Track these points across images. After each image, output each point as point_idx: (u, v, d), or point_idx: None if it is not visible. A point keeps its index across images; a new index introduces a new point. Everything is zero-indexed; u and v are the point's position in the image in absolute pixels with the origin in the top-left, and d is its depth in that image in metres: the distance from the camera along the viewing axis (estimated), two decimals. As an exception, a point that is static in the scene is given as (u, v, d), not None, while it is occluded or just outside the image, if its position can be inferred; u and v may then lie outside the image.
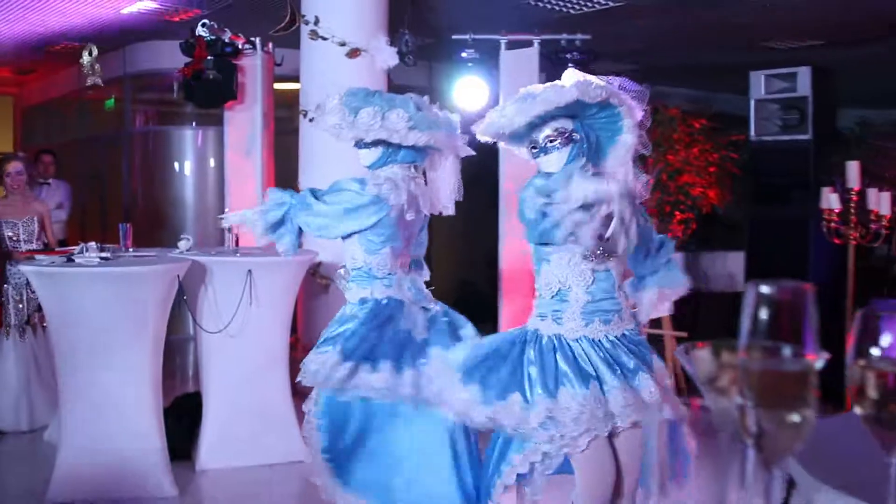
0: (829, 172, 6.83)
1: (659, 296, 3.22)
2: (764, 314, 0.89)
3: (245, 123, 7.42)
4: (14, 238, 6.02)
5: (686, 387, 6.29)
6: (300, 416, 5.27)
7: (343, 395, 3.61)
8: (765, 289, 0.89)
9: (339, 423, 3.65)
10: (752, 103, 7.45)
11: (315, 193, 3.67)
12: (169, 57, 8.37)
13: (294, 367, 6.00)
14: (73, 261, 4.72)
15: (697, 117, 7.24)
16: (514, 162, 6.87)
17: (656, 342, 6.30)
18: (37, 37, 9.88)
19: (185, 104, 8.51)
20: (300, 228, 3.75)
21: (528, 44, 6.97)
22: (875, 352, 0.98)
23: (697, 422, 0.85)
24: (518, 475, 3.00)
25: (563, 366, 2.94)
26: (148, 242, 6.57)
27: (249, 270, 5.03)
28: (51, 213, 6.46)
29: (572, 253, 2.97)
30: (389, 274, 3.71)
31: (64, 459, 4.56)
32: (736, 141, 7.86)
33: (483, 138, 3.19)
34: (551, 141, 3.00)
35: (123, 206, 10.59)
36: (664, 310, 3.36)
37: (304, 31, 6.74)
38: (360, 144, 3.72)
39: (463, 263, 10.18)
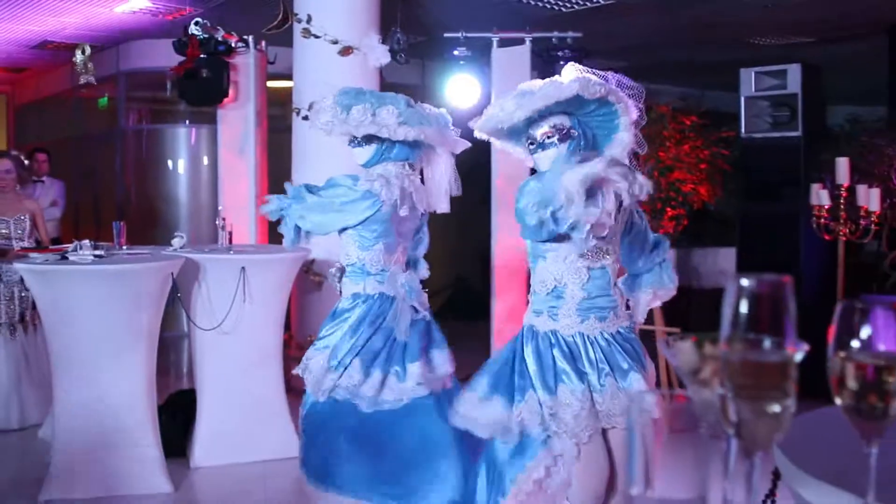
0: (820, 169, 6.86)
1: (652, 296, 3.28)
2: (744, 307, 0.92)
3: (238, 121, 7.43)
4: (5, 236, 6.02)
5: (676, 380, 6.33)
6: (294, 412, 5.32)
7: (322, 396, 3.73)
8: (745, 282, 0.92)
9: (317, 425, 3.72)
10: (743, 100, 7.47)
11: (310, 189, 3.73)
12: (162, 55, 8.37)
13: (287, 363, 6.04)
14: (66, 259, 4.73)
15: (688, 114, 7.27)
16: (505, 158, 6.91)
17: (648, 338, 6.34)
18: (30, 35, 9.87)
19: (178, 102, 8.51)
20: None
21: (520, 41, 6.99)
22: (855, 344, 1.01)
23: (682, 414, 0.87)
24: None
25: (560, 363, 2.97)
26: (142, 240, 6.58)
27: (243, 268, 5.05)
28: (43, 212, 6.46)
29: (568, 250, 3.00)
30: (382, 270, 3.76)
31: (58, 456, 4.57)
32: (726, 138, 7.88)
33: (480, 135, 3.20)
34: (549, 137, 3.01)
35: (117, 203, 10.59)
36: (654, 305, 3.41)
37: (297, 29, 6.76)
38: (354, 143, 3.77)
39: (456, 260, 10.20)
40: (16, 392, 5.88)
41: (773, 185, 7.31)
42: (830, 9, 8.28)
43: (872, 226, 6.12)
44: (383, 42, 6.63)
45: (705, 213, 8.36)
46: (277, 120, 8.35)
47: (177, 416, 5.32)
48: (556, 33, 7.01)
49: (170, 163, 10.39)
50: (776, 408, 0.91)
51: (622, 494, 2.98)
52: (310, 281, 6.67)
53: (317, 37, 6.64)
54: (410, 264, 3.97)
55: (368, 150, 3.75)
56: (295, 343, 6.82)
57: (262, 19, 6.98)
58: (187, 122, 10.38)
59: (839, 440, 1.22)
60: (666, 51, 9.64)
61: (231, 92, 7.25)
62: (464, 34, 7.02)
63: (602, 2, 7.90)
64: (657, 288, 3.27)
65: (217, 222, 5.51)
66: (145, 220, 9.97)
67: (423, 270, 4.07)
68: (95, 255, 4.79)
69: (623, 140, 3.03)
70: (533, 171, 3.24)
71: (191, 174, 10.32)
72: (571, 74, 2.99)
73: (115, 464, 4.60)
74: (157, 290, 4.73)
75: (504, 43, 7.06)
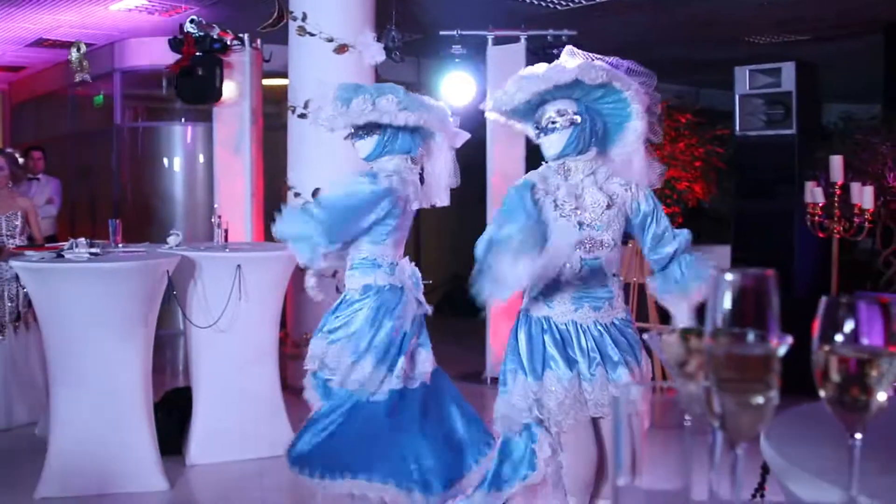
0: (814, 167, 6.89)
1: (678, 300, 3.12)
2: (728, 301, 0.94)
3: (234, 119, 7.44)
4: None
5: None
6: (289, 409, 5.34)
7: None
8: (728, 276, 0.94)
9: (339, 415, 3.74)
10: (737, 98, 7.50)
11: (321, 203, 3.68)
12: (158, 53, 8.38)
13: (283, 361, 6.05)
14: (62, 257, 4.73)
15: (683, 112, 7.30)
16: (501, 156, 6.93)
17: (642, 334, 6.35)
18: (26, 33, 9.87)
19: (174, 100, 8.52)
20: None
21: (515, 39, 7.01)
22: (838, 338, 1.03)
23: (674, 408, 0.89)
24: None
25: (550, 349, 3.00)
26: (137, 238, 6.59)
27: (239, 265, 5.06)
28: (36, 209, 6.45)
29: (560, 242, 3.02)
30: (392, 263, 3.79)
31: (54, 454, 4.58)
32: (721, 136, 7.93)
33: (491, 116, 3.22)
34: (552, 122, 3.03)
35: (113, 201, 10.59)
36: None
37: (292, 27, 6.76)
38: (356, 136, 3.77)
39: (453, 257, 10.21)
40: (3, 393, 5.86)
41: (768, 183, 7.33)
42: (825, 7, 8.30)
43: (866, 223, 6.15)
44: (378, 40, 6.64)
45: (700, 210, 8.39)
46: (273, 118, 8.36)
47: (173, 414, 5.33)
48: (551, 31, 7.03)
49: (165, 161, 10.40)
50: (759, 400, 0.93)
51: (610, 483, 3.00)
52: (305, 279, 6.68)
53: (312, 35, 6.65)
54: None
55: (370, 142, 3.75)
56: (291, 341, 6.83)
57: (257, 17, 6.99)
58: (183, 119, 10.39)
59: (827, 434, 1.24)
60: (661, 49, 9.65)
61: (226, 90, 7.25)
62: (459, 32, 7.04)
63: (596, 0, 7.92)
64: (678, 293, 3.09)
65: (213, 220, 5.52)
66: (141, 217, 9.98)
67: None
68: (91, 253, 4.79)
69: (636, 128, 3.03)
70: (528, 168, 3.28)
71: (186, 172, 10.33)
72: (571, 58, 3.00)
73: (111, 461, 4.61)
74: (153, 288, 4.74)
75: (499, 41, 7.08)
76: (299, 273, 6.41)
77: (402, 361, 3.71)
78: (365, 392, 3.69)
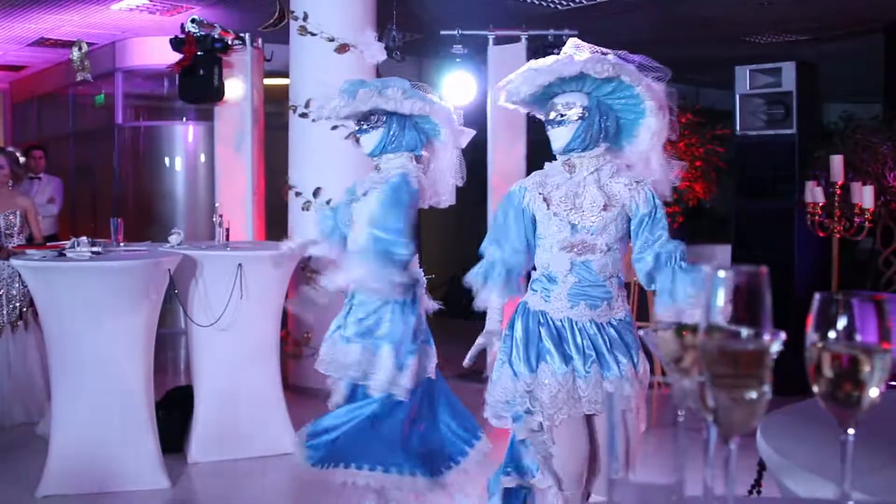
0: (814, 166, 6.90)
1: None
2: (722, 298, 0.95)
3: (235, 118, 7.45)
4: None
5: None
6: (290, 409, 5.35)
7: None
8: (722, 273, 0.95)
9: (376, 415, 3.76)
10: (738, 98, 7.50)
11: (377, 224, 3.67)
12: (159, 53, 8.39)
13: (284, 360, 6.06)
14: (64, 255, 4.75)
15: (683, 112, 7.30)
16: (501, 157, 6.94)
17: (643, 334, 6.37)
18: (28, 32, 9.89)
19: (175, 99, 8.54)
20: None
21: (516, 39, 7.02)
22: (831, 334, 1.04)
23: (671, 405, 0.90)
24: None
25: (546, 342, 3.02)
26: (139, 237, 6.61)
27: (240, 264, 5.07)
28: (36, 208, 6.45)
29: (552, 242, 3.05)
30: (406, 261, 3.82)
31: (56, 452, 4.59)
32: (721, 135, 7.93)
33: (504, 104, 3.22)
34: (561, 115, 3.02)
35: (114, 200, 10.61)
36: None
37: (294, 26, 6.78)
38: (361, 130, 3.77)
39: (453, 258, 10.23)
40: None
41: (768, 183, 7.34)
42: (826, 7, 8.31)
43: (866, 223, 6.16)
44: (379, 39, 6.65)
45: (700, 210, 8.40)
46: (274, 117, 8.37)
47: (174, 412, 5.34)
48: (551, 31, 7.03)
49: (167, 160, 10.41)
50: (753, 395, 0.94)
51: (603, 478, 3.03)
52: (306, 277, 6.69)
53: (313, 34, 6.67)
54: None
55: (375, 136, 3.72)
56: (292, 339, 6.85)
57: (258, 17, 7.01)
58: (184, 119, 10.41)
59: (823, 431, 1.25)
60: (661, 48, 9.61)
61: (227, 89, 7.27)
62: (460, 32, 7.05)
63: (597, 0, 7.93)
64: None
65: (214, 219, 5.53)
66: (142, 216, 9.99)
67: None
68: (93, 252, 4.80)
69: (650, 126, 3.00)
70: (529, 168, 3.30)
71: (188, 171, 10.35)
72: (577, 51, 2.99)
73: (112, 459, 4.62)
74: (155, 287, 4.75)
75: (500, 41, 7.09)
76: (300, 272, 6.44)
77: (415, 358, 3.73)
78: (403, 393, 3.70)
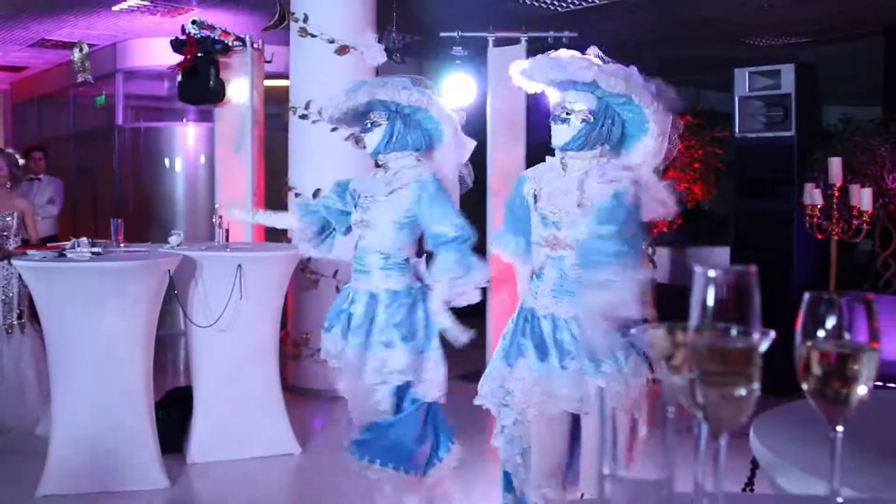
0: (813, 169, 6.91)
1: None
2: (712, 297, 0.97)
3: (235, 120, 7.47)
4: None
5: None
6: (290, 409, 5.37)
7: None
8: (712, 273, 0.97)
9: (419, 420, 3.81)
10: (737, 100, 7.52)
11: (456, 224, 3.69)
12: (159, 54, 8.41)
13: (283, 361, 6.08)
14: (64, 256, 4.76)
15: (682, 114, 7.31)
16: (501, 156, 6.95)
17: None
18: (28, 33, 9.91)
19: (175, 100, 8.56)
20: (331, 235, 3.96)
21: (516, 41, 7.03)
22: (820, 333, 1.06)
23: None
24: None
25: (526, 338, 3.04)
26: (139, 238, 6.62)
27: (239, 265, 5.08)
28: (33, 210, 6.44)
29: (535, 236, 3.12)
30: (407, 260, 3.84)
31: (55, 452, 4.60)
32: (720, 137, 7.95)
33: (513, 76, 3.23)
34: (567, 113, 3.03)
35: (114, 201, 10.63)
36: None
37: (294, 28, 6.80)
38: (364, 130, 3.78)
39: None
40: None
41: (767, 185, 7.35)
42: (825, 9, 8.33)
43: (864, 225, 6.17)
44: (378, 41, 6.67)
45: (699, 212, 8.42)
46: (274, 118, 8.40)
47: (173, 413, 5.36)
48: (551, 33, 7.04)
49: (167, 161, 10.43)
50: (742, 392, 0.96)
51: (587, 477, 3.06)
52: (306, 278, 6.72)
53: (313, 36, 6.68)
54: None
55: (378, 133, 3.72)
56: (291, 340, 6.86)
57: (259, 18, 7.03)
58: (185, 120, 10.43)
59: (814, 431, 1.26)
60: (661, 50, 9.69)
61: (228, 90, 7.29)
62: (460, 33, 7.06)
63: (597, 1, 7.95)
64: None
65: (214, 220, 5.54)
66: (142, 217, 10.01)
67: None
68: (93, 253, 4.82)
69: (647, 146, 3.01)
70: (528, 165, 3.32)
71: (188, 172, 10.37)
72: (594, 61, 3.00)
73: (112, 459, 4.63)
74: (155, 288, 4.77)
75: (500, 42, 7.10)
76: (299, 273, 6.46)
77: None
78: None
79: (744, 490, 2.36)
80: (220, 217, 5.50)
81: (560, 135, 3.06)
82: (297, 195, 6.82)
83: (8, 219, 6.03)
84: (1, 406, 5.84)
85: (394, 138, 3.72)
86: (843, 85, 10.96)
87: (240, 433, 5.23)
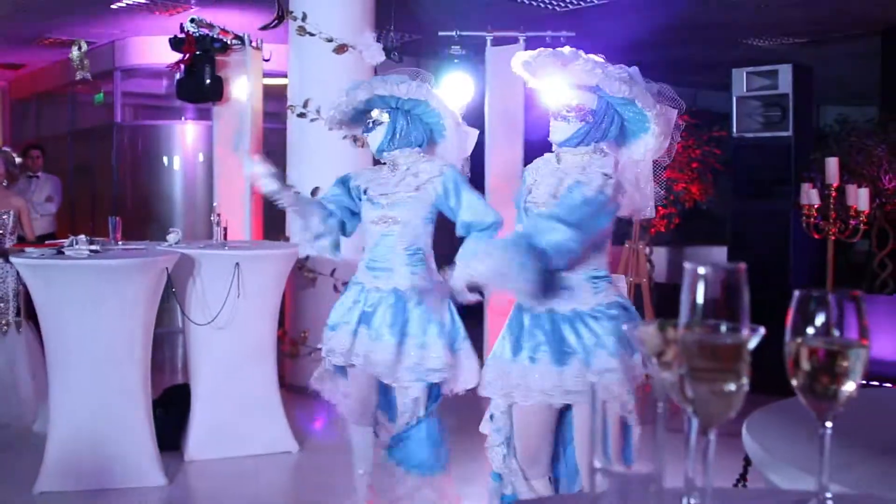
0: (810, 169, 6.94)
1: None
2: (701, 294, 0.98)
3: (233, 118, 7.48)
4: None
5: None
6: (287, 407, 5.38)
7: None
8: (702, 270, 0.98)
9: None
10: (734, 100, 7.54)
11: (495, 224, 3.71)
12: (158, 52, 8.42)
13: (281, 359, 6.09)
14: (62, 253, 4.77)
15: (680, 114, 7.33)
16: (498, 157, 6.97)
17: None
18: (27, 30, 9.91)
19: (174, 99, 8.57)
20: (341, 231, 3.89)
21: (514, 40, 7.04)
22: (810, 330, 1.07)
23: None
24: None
25: (507, 330, 3.11)
26: (137, 236, 6.63)
27: (237, 263, 5.09)
28: (29, 209, 6.45)
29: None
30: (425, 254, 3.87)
31: (53, 449, 4.61)
32: (718, 137, 7.98)
33: (514, 66, 3.23)
34: (568, 111, 3.02)
35: (112, 199, 10.64)
36: None
37: (292, 27, 6.81)
38: (366, 129, 3.78)
39: (449, 260, 10.26)
40: None
41: (764, 185, 7.38)
42: (822, 10, 8.35)
43: (861, 225, 6.19)
44: (378, 40, 6.68)
45: (697, 211, 8.44)
46: (272, 117, 8.41)
47: (171, 410, 5.37)
48: (549, 32, 7.06)
49: (165, 159, 10.44)
50: (731, 387, 0.98)
51: (570, 469, 3.08)
52: (304, 277, 6.73)
53: (312, 34, 6.69)
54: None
55: (381, 131, 3.70)
56: (289, 339, 6.87)
57: (258, 17, 7.04)
58: (183, 118, 10.44)
59: (805, 428, 1.28)
60: (659, 50, 9.70)
61: (226, 89, 7.30)
62: (458, 33, 7.07)
63: (595, 1, 7.96)
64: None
65: (212, 218, 5.55)
66: (141, 215, 10.02)
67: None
68: (91, 250, 4.82)
69: (648, 144, 3.00)
70: (526, 163, 3.32)
71: (186, 170, 10.37)
72: (596, 65, 2.99)
73: (109, 456, 4.64)
74: (153, 286, 4.78)
75: (498, 42, 7.11)
76: (297, 271, 6.48)
77: None
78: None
79: (736, 485, 2.37)
80: (219, 215, 5.52)
81: (558, 132, 3.06)
82: (295, 193, 6.82)
83: (4, 217, 6.03)
84: None
85: (397, 135, 3.71)
86: (840, 85, 10.98)
87: (237, 431, 5.24)
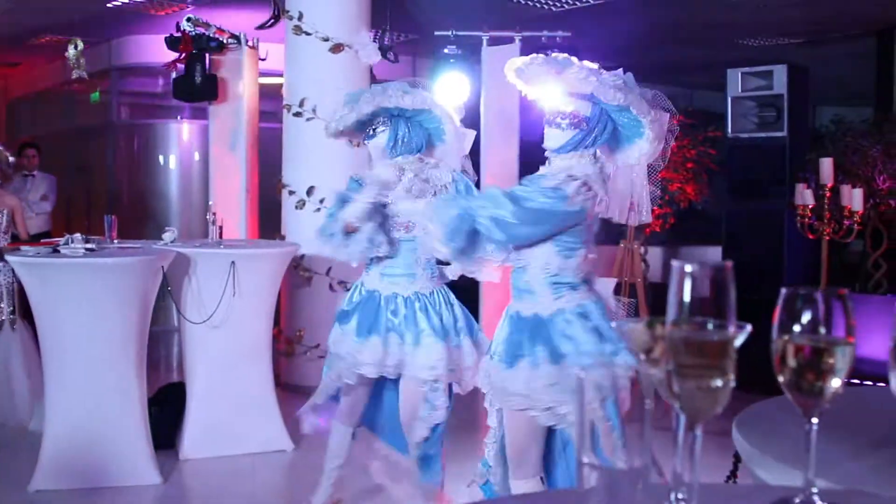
0: (805, 169, 6.96)
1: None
2: (688, 292, 1.00)
3: (229, 117, 7.48)
4: None
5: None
6: (282, 406, 5.38)
7: None
8: (689, 268, 0.99)
9: None
10: (729, 100, 7.55)
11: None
12: (154, 51, 8.43)
13: (276, 358, 6.09)
14: (58, 252, 4.77)
15: (675, 114, 7.35)
16: (494, 158, 6.98)
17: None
18: (23, 29, 9.91)
19: (170, 97, 8.58)
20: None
21: (510, 40, 7.06)
22: (796, 328, 1.09)
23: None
24: None
25: (500, 334, 3.22)
26: (133, 234, 6.63)
27: (233, 262, 5.10)
28: (23, 208, 6.44)
29: None
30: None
31: (48, 447, 4.61)
32: (713, 137, 7.99)
33: (508, 73, 3.23)
34: (562, 118, 3.02)
35: (108, 198, 10.64)
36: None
37: (289, 26, 6.81)
38: (367, 136, 3.79)
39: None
40: None
41: (759, 185, 7.39)
42: (818, 11, 8.37)
43: (855, 226, 6.21)
44: (374, 40, 6.70)
45: (692, 211, 8.46)
46: (268, 116, 8.41)
47: (166, 409, 5.37)
48: (545, 32, 7.08)
49: (161, 158, 10.45)
50: (718, 383, 0.99)
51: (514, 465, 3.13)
52: (299, 276, 6.73)
53: (308, 34, 6.70)
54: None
55: (382, 138, 3.72)
56: (284, 337, 6.88)
57: (254, 15, 7.04)
58: (179, 117, 10.44)
59: (794, 425, 1.29)
60: (654, 50, 9.73)
61: (222, 88, 7.31)
62: (454, 32, 7.08)
63: (591, 1, 7.98)
64: None
65: (208, 217, 5.56)
66: (136, 214, 10.02)
67: None
68: (87, 249, 4.82)
69: (643, 149, 3.01)
70: (522, 170, 3.34)
71: (182, 169, 10.38)
72: (591, 74, 3.00)
73: (104, 455, 4.64)
74: (148, 284, 4.78)
75: (494, 41, 7.13)
76: (293, 270, 6.48)
77: None
78: None
79: (726, 481, 2.39)
80: (214, 214, 5.52)
81: (553, 139, 3.07)
82: (290, 192, 6.84)
83: (0, 216, 6.04)
84: None
85: (399, 142, 3.73)
86: (835, 86, 11.01)
87: (233, 430, 5.24)
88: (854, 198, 6.16)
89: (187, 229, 9.06)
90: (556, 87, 3.02)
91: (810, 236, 6.39)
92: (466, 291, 4.39)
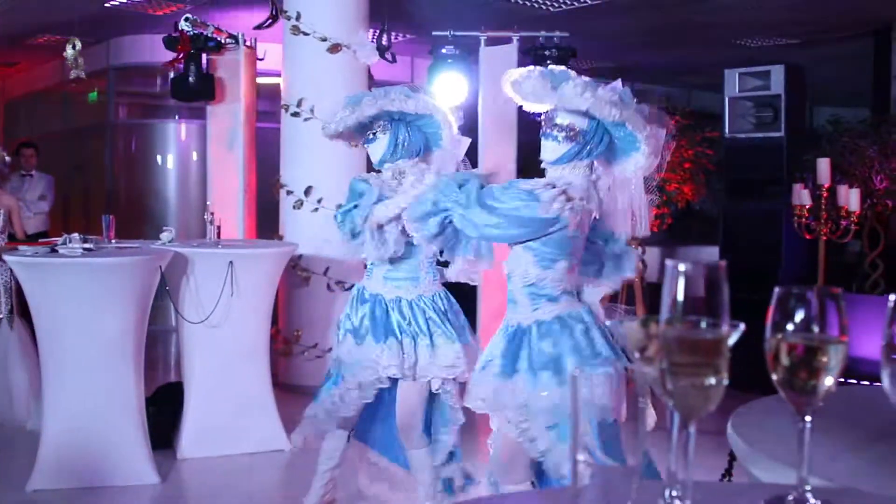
0: (802, 169, 6.97)
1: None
2: (682, 291, 1.01)
3: (227, 117, 7.49)
4: None
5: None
6: (280, 405, 5.39)
7: None
8: (682, 267, 1.00)
9: None
10: (727, 101, 7.57)
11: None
12: (152, 51, 8.43)
13: (274, 357, 6.10)
14: (56, 252, 4.78)
15: (673, 114, 7.36)
16: (491, 160, 6.98)
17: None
18: (20, 29, 9.90)
19: (167, 97, 8.58)
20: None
21: (508, 40, 7.07)
22: (790, 326, 1.10)
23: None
24: None
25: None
26: (131, 234, 6.63)
27: (231, 262, 5.10)
28: (20, 207, 6.44)
29: None
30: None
31: (46, 447, 4.61)
32: (710, 138, 8.00)
33: (505, 87, 3.23)
34: (559, 131, 3.03)
35: (106, 198, 10.64)
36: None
37: (287, 26, 6.82)
38: (367, 140, 3.79)
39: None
40: None
41: (756, 185, 7.40)
42: (815, 11, 8.39)
43: (852, 226, 6.22)
44: (372, 40, 6.71)
45: (689, 212, 8.47)
46: (266, 116, 8.42)
47: (164, 409, 5.38)
48: (543, 33, 7.08)
49: (159, 158, 10.45)
50: (711, 381, 1.00)
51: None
52: (297, 276, 6.74)
53: (306, 34, 6.71)
54: None
55: (382, 142, 3.72)
56: (282, 337, 6.89)
57: (252, 16, 7.04)
58: (177, 117, 10.44)
59: (788, 424, 1.30)
60: (652, 51, 9.74)
61: (220, 88, 7.32)
62: (452, 33, 7.09)
63: (589, 2, 7.99)
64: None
65: (205, 217, 5.56)
66: (134, 214, 10.02)
67: None
68: (85, 249, 4.83)
69: (638, 162, 3.01)
70: (520, 171, 3.35)
71: (180, 169, 10.38)
72: (592, 90, 2.98)
73: (103, 454, 4.65)
74: (146, 284, 4.79)
75: (492, 42, 7.13)
76: (290, 270, 6.49)
77: None
78: None
79: (721, 480, 2.40)
80: (212, 214, 5.53)
81: (549, 151, 3.07)
82: (288, 192, 6.85)
83: None
84: None
85: (399, 146, 3.73)
86: (832, 86, 11.03)
87: (230, 429, 5.25)
88: (851, 198, 6.18)
89: (185, 229, 9.06)
90: (551, 102, 3.02)
91: (807, 236, 6.41)
92: (465, 297, 4.39)
